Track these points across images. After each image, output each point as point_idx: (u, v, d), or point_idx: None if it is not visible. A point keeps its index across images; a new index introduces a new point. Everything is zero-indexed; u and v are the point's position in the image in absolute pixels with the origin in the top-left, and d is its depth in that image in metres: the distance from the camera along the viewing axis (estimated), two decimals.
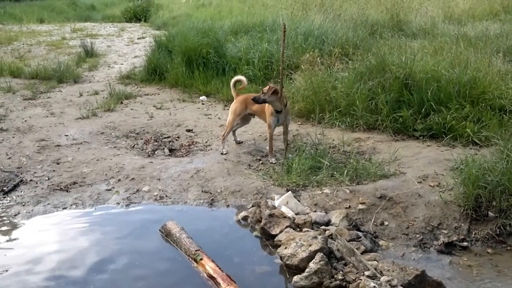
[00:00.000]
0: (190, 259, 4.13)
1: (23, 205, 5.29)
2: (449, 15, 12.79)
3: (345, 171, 5.60)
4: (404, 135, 6.83)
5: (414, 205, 4.91)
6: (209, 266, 3.90)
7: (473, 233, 4.58)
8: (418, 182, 5.25)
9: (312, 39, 9.93)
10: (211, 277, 3.82)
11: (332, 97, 7.56)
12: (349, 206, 4.98)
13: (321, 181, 5.51)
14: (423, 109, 6.80)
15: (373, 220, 4.81)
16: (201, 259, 4.01)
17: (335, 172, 5.67)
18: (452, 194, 4.92)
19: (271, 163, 6.17)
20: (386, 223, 4.78)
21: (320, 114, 7.40)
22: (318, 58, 8.77)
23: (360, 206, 4.96)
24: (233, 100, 6.79)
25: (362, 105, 7.18)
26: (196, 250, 4.13)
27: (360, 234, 4.44)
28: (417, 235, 4.60)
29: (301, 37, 10.04)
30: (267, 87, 5.99)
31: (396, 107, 7.04)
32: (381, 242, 4.53)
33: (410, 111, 6.85)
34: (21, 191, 5.58)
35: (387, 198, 5.00)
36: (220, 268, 3.87)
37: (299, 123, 7.74)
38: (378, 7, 13.75)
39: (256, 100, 6.05)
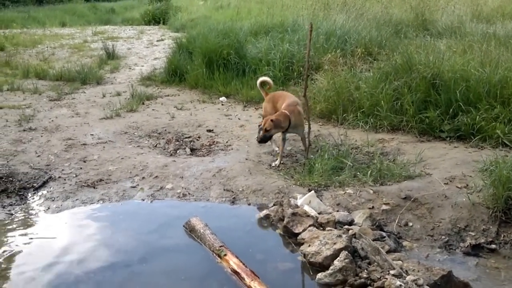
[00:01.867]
0: (214, 254, 4.15)
1: (53, 200, 5.38)
2: (477, 14, 12.51)
3: (369, 172, 5.56)
4: (430, 136, 6.75)
5: (440, 207, 4.84)
6: (233, 262, 3.92)
7: (502, 235, 4.49)
8: (445, 183, 5.17)
9: (334, 39, 9.89)
10: (235, 272, 3.83)
11: (355, 97, 7.51)
12: (373, 207, 4.94)
13: (344, 181, 5.49)
14: (450, 110, 6.68)
15: (397, 220, 4.76)
16: (225, 254, 4.03)
17: (358, 173, 5.65)
18: (481, 196, 4.83)
19: (273, 166, 6.12)
20: (410, 224, 4.73)
21: (343, 115, 7.37)
22: (341, 58, 8.72)
23: (384, 207, 4.92)
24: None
25: (386, 106, 7.11)
26: (220, 246, 4.14)
27: (384, 234, 4.40)
28: (443, 237, 4.53)
29: (323, 37, 10.01)
30: (264, 121, 5.97)
31: (422, 108, 6.94)
32: (405, 243, 4.48)
33: (437, 111, 6.74)
34: (50, 187, 5.66)
35: (412, 199, 4.94)
36: (244, 264, 3.88)
37: (320, 123, 7.71)
38: (402, 6, 13.55)
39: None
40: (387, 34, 10.49)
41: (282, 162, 6.24)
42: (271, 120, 5.83)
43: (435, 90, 6.97)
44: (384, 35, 10.37)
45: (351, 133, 7.00)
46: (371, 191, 5.16)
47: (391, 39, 10.15)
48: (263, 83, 6.83)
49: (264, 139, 6.02)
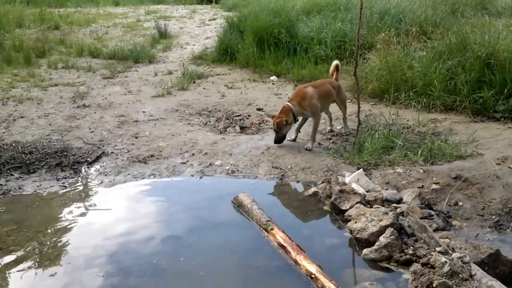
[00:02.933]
0: (261, 228, 4.21)
1: (106, 174, 5.57)
2: None
3: (419, 151, 5.49)
4: (483, 117, 6.61)
5: (491, 187, 4.73)
6: (280, 236, 3.97)
7: None
8: (497, 164, 5.05)
9: (388, 18, 9.72)
10: (281, 246, 3.89)
11: (408, 77, 7.41)
12: (422, 186, 4.89)
13: (394, 160, 5.45)
14: (505, 90, 6.48)
15: (446, 200, 4.69)
16: (271, 229, 4.09)
17: (409, 152, 5.58)
18: None
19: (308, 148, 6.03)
20: (460, 203, 4.65)
21: (395, 94, 7.27)
22: (394, 37, 8.57)
23: (434, 186, 4.86)
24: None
25: (440, 85, 6.97)
26: (267, 221, 4.20)
27: (432, 212, 4.36)
28: (493, 217, 4.44)
29: (377, 16, 9.85)
30: (272, 122, 5.99)
31: (476, 88, 6.77)
32: (454, 222, 4.42)
33: (492, 91, 6.56)
34: (103, 162, 5.87)
35: (463, 179, 4.85)
36: (290, 238, 3.93)
37: (372, 103, 7.65)
38: None
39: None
40: (443, 13, 10.18)
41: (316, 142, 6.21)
42: (276, 122, 5.87)
43: (489, 70, 6.77)
44: (440, 14, 10.08)
45: (403, 113, 6.91)
46: (421, 171, 5.09)
47: (446, 18, 9.86)
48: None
49: (278, 140, 6.03)
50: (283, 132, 5.99)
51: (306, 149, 5.96)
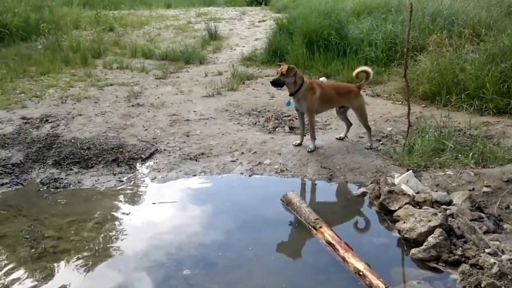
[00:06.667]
0: (310, 226, 4.29)
1: (159, 171, 5.76)
2: None
3: (471, 154, 5.44)
4: None
5: None
6: (328, 234, 4.03)
7: None
8: None
9: (440, 20, 9.57)
10: (329, 243, 3.95)
11: (460, 79, 7.31)
12: (473, 189, 4.85)
13: (444, 163, 5.42)
14: None
15: (498, 203, 4.64)
16: (320, 227, 4.15)
17: (460, 155, 5.53)
18: None
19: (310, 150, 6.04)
20: None
21: (446, 97, 7.19)
22: (447, 39, 8.46)
23: (485, 189, 4.82)
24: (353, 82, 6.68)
25: (492, 88, 6.87)
26: (316, 219, 4.27)
27: (482, 215, 4.34)
28: None
29: (428, 18, 9.73)
30: (283, 67, 5.83)
31: None
32: (505, 226, 4.37)
33: None
34: (156, 159, 6.07)
35: None
36: (338, 236, 3.99)
37: (423, 105, 7.58)
38: None
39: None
40: (498, 15, 9.95)
41: (312, 146, 6.12)
42: (291, 67, 5.78)
43: None
44: (495, 15, 9.86)
45: (454, 116, 6.82)
46: (472, 173, 5.05)
47: (501, 20, 9.63)
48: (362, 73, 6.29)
49: (277, 81, 5.82)
50: (287, 79, 5.82)
51: (308, 151, 5.98)
